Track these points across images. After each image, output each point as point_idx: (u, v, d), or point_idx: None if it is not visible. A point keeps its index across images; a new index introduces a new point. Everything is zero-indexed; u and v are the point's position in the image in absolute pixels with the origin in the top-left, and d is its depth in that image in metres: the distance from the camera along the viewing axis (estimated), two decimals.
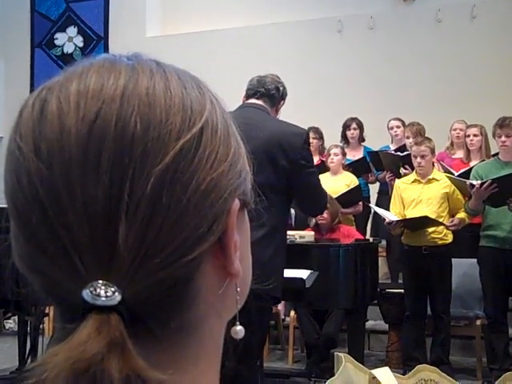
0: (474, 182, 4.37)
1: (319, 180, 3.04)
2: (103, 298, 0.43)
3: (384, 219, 4.69)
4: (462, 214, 4.61)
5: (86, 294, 0.43)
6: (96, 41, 9.09)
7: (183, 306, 0.47)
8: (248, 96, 3.04)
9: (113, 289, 0.43)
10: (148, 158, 0.45)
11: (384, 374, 2.12)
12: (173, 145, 0.46)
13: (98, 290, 0.43)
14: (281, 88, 3.05)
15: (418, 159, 4.64)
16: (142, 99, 0.46)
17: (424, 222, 4.50)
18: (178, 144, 0.46)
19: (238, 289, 0.52)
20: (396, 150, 5.72)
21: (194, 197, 0.46)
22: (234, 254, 0.50)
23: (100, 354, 0.41)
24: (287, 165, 2.80)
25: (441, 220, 4.52)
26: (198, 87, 0.51)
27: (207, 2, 8.57)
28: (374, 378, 2.05)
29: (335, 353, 2.39)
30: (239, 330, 0.55)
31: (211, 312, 0.50)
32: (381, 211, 4.88)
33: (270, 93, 3.00)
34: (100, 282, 0.43)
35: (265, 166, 2.72)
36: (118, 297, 0.43)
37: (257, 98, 3.00)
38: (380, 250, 5.94)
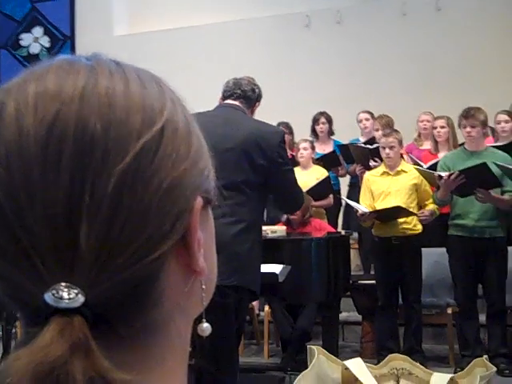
0: (442, 174, 4.44)
1: (295, 178, 3.13)
2: (66, 301, 0.43)
3: (357, 211, 4.73)
4: (431, 206, 4.67)
5: (49, 296, 0.43)
6: (63, 41, 8.97)
7: (148, 306, 0.47)
8: (225, 97, 3.11)
9: (75, 291, 0.43)
10: (108, 157, 0.45)
11: (356, 364, 2.14)
12: (133, 144, 0.46)
13: (61, 293, 0.43)
14: (256, 90, 3.13)
15: (387, 150, 4.69)
16: (101, 99, 0.46)
17: (397, 212, 4.54)
18: (138, 143, 0.46)
19: (204, 286, 0.52)
20: (365, 143, 5.76)
21: (156, 196, 0.46)
22: (198, 252, 0.50)
23: (63, 356, 0.41)
24: (265, 163, 2.88)
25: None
26: (158, 86, 0.51)
27: (175, 0, 8.53)
28: (347, 368, 2.08)
29: (308, 345, 2.41)
30: (206, 327, 0.55)
31: (177, 310, 0.50)
32: (353, 203, 4.93)
33: (246, 94, 3.07)
34: (62, 284, 0.43)
35: (243, 163, 2.85)
36: (80, 298, 0.43)
37: (234, 99, 3.07)
38: (352, 242, 5.98)
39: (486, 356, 2.46)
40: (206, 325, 0.55)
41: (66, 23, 8.91)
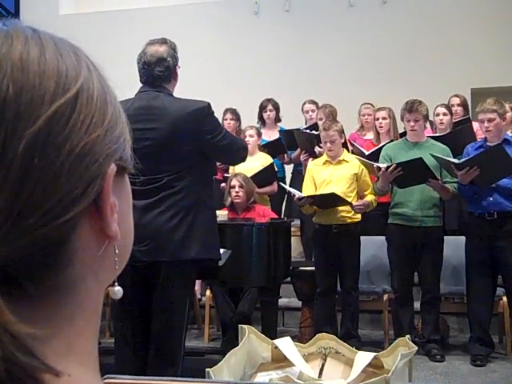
0: (381, 165, 4.53)
1: (229, 136, 3.11)
2: None
3: (294, 196, 4.79)
4: (369, 197, 4.75)
5: None
6: (6, 18, 8.71)
7: (58, 267, 0.49)
8: (142, 81, 3.04)
9: None
10: (20, 121, 0.46)
11: (285, 343, 2.19)
12: (45, 108, 0.47)
13: None
14: (169, 63, 3.00)
15: (328, 144, 4.75)
16: (14, 64, 0.47)
17: (332, 199, 4.58)
18: (51, 108, 0.47)
19: (117, 251, 0.54)
20: (310, 129, 5.79)
21: (68, 160, 0.47)
22: (111, 217, 0.51)
23: None
24: (196, 144, 2.89)
25: (349, 200, 4.65)
26: (75, 54, 0.52)
27: None
28: (276, 347, 2.12)
29: (240, 325, 2.45)
30: (117, 290, 0.56)
31: (88, 273, 0.52)
32: (290, 189, 4.98)
33: (159, 78, 2.98)
34: None
35: (169, 152, 2.85)
36: None
37: (149, 86, 3.00)
38: (294, 229, 6.06)
39: (408, 336, 2.55)
40: (117, 288, 0.56)
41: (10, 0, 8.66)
